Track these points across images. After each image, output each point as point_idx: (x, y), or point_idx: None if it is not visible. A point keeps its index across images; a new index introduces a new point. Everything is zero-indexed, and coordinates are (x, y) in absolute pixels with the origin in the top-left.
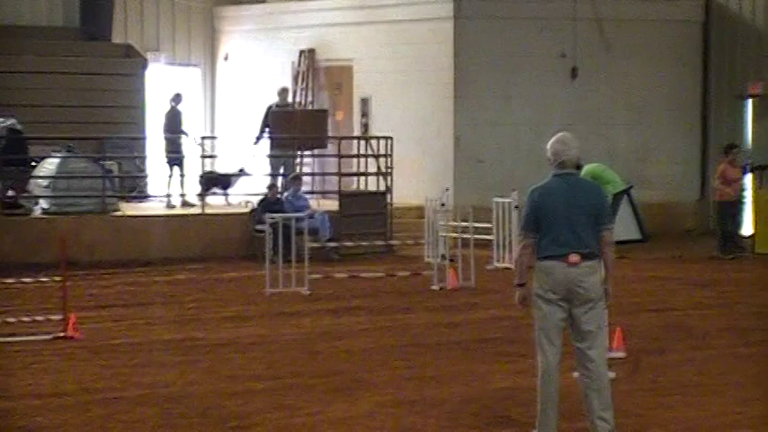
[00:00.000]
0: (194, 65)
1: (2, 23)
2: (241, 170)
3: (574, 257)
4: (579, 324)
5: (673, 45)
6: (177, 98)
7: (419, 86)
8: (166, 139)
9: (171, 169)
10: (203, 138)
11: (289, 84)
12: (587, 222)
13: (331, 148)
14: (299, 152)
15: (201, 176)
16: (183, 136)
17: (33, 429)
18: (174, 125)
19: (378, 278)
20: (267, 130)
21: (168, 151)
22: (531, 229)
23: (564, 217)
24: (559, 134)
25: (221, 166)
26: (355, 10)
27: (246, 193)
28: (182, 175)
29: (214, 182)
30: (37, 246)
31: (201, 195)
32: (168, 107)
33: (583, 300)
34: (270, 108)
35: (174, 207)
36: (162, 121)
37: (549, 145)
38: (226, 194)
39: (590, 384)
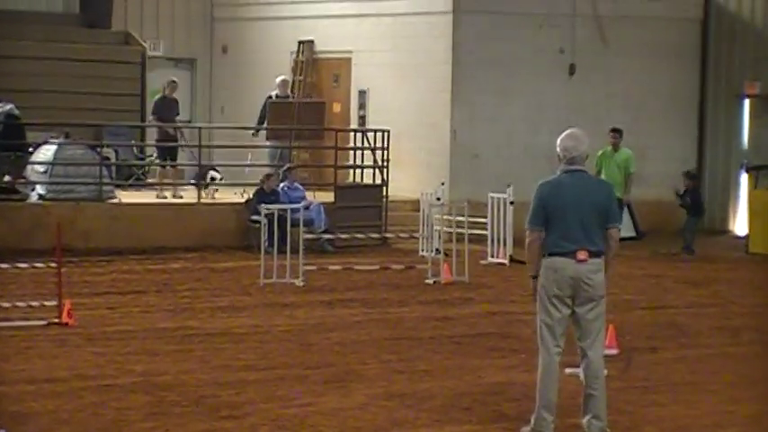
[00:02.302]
0: (192, 57)
1: (1, 9)
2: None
3: (582, 254)
4: (582, 322)
5: (671, 43)
6: (172, 86)
7: (417, 80)
8: (159, 127)
9: (164, 159)
10: (200, 128)
11: (288, 75)
12: (596, 220)
13: (328, 139)
14: (296, 143)
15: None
16: (176, 124)
17: (26, 415)
18: (167, 113)
19: (372, 271)
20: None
21: (160, 140)
22: (538, 224)
23: (574, 214)
24: (569, 130)
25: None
26: (355, 2)
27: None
28: (173, 166)
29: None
30: (33, 232)
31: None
32: (161, 95)
33: (588, 297)
34: (269, 98)
35: (165, 198)
36: (152, 108)
37: (558, 141)
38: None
39: (588, 383)
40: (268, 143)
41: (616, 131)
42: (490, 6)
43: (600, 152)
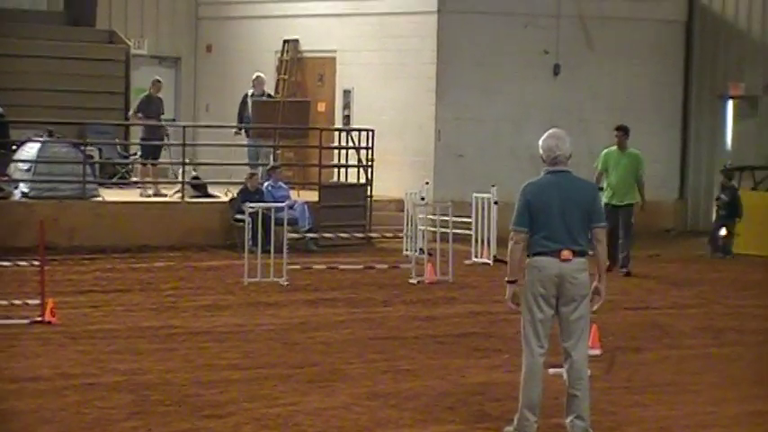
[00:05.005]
0: (176, 55)
1: None
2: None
3: (566, 253)
4: (566, 322)
5: (655, 44)
6: (157, 85)
7: (401, 80)
8: (143, 126)
9: (146, 158)
10: (184, 126)
11: (272, 74)
12: (580, 220)
13: (312, 139)
14: (280, 142)
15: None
16: (160, 123)
17: (9, 413)
18: (151, 112)
19: (356, 270)
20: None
21: (144, 139)
22: (523, 225)
23: (558, 214)
24: (551, 130)
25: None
26: (340, 1)
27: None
28: (154, 165)
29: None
30: (16, 230)
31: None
32: (146, 93)
33: (572, 296)
34: (245, 96)
35: (149, 196)
36: (137, 105)
37: (541, 141)
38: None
39: (572, 383)
40: (247, 141)
41: (621, 129)
42: (475, 6)
43: (604, 151)
